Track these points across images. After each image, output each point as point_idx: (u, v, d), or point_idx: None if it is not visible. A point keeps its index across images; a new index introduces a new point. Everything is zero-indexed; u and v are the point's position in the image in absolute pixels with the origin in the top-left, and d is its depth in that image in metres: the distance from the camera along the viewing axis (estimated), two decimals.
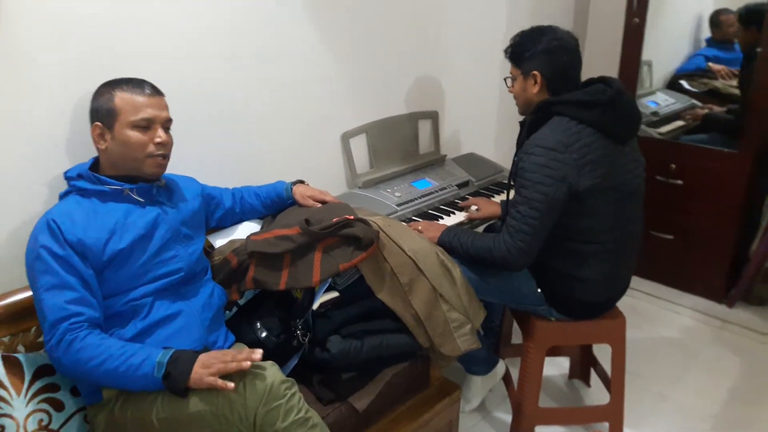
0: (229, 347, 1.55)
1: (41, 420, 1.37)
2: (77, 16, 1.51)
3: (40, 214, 1.39)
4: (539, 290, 1.85)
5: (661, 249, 2.96)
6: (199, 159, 1.86)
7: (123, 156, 1.41)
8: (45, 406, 1.39)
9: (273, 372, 1.28)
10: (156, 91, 1.45)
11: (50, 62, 1.49)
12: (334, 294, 1.65)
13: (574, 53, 1.74)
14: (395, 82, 2.42)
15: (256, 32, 1.90)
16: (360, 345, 1.59)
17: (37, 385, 1.39)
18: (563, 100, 1.68)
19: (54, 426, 1.39)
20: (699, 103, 3.13)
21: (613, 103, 1.65)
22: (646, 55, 3.03)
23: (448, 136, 2.72)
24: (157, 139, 1.41)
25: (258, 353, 1.27)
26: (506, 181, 2.49)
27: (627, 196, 1.74)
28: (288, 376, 1.58)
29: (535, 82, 1.75)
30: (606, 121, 1.64)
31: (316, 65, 2.11)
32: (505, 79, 1.89)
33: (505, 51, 1.83)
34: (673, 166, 2.85)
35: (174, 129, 1.73)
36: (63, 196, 1.45)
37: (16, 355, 1.41)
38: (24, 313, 1.45)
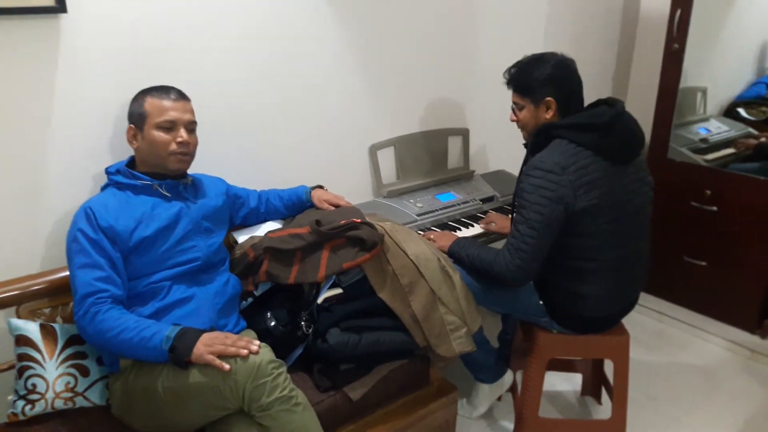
0: (238, 332, 1.70)
1: (68, 383, 1.56)
2: (127, 25, 1.72)
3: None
4: (540, 303, 1.91)
5: (693, 275, 2.91)
6: (236, 164, 2.05)
7: (150, 153, 1.61)
8: (73, 371, 1.58)
9: (264, 352, 1.42)
10: (181, 96, 1.64)
11: (102, 70, 1.71)
12: (338, 290, 1.77)
13: (577, 74, 1.81)
14: (427, 98, 2.54)
15: (291, 44, 2.07)
16: (358, 339, 1.71)
17: (68, 351, 1.59)
18: (561, 123, 1.74)
19: (79, 389, 1.58)
20: (755, 132, 3.06)
21: (610, 126, 1.70)
22: (701, 81, 3.01)
23: (479, 153, 2.81)
24: (179, 139, 1.60)
25: (256, 345, 1.41)
26: None
27: (628, 215, 1.78)
28: (292, 364, 1.75)
29: (548, 108, 1.82)
30: (602, 143, 1.70)
31: (350, 80, 2.26)
32: (513, 108, 1.93)
33: (508, 83, 1.89)
34: (708, 192, 2.82)
35: (215, 137, 1.93)
36: (104, 188, 1.66)
37: (52, 324, 1.61)
38: (65, 288, 1.65)
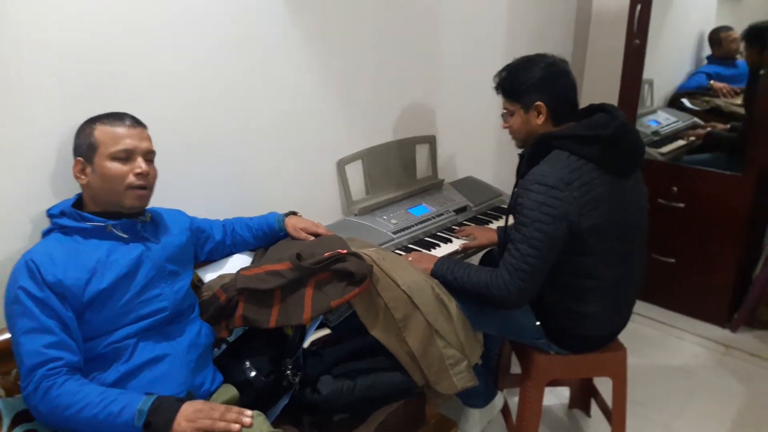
0: (216, 388, 1.50)
1: None
2: (70, 49, 1.48)
3: (24, 250, 1.35)
4: (538, 323, 1.80)
5: (662, 272, 2.90)
6: (191, 190, 1.82)
7: (103, 189, 1.38)
8: None
9: (258, 424, 1.23)
10: (136, 123, 1.43)
11: (42, 93, 1.46)
12: (326, 331, 1.60)
13: (570, 75, 1.70)
14: (391, 107, 2.39)
15: (248, 61, 1.87)
16: (352, 385, 1.54)
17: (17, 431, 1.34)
18: (562, 134, 1.62)
19: None
20: (701, 122, 3.09)
21: (615, 138, 1.60)
22: (646, 73, 2.99)
23: (446, 160, 2.69)
24: (137, 170, 1.38)
25: (248, 417, 1.23)
26: (505, 206, 2.46)
27: (629, 231, 1.68)
28: (278, 416, 1.56)
29: (539, 113, 1.70)
30: (607, 156, 1.59)
31: (309, 92, 2.08)
32: (502, 115, 1.81)
33: (496, 87, 1.77)
34: (675, 188, 2.81)
35: (165, 160, 1.69)
36: (45, 233, 1.41)
37: None
38: (4, 354, 1.39)
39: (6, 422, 1.33)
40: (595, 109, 1.73)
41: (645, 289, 2.96)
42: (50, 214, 1.40)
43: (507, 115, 1.77)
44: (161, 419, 1.20)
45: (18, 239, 1.49)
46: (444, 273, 1.77)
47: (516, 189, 1.68)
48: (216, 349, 1.65)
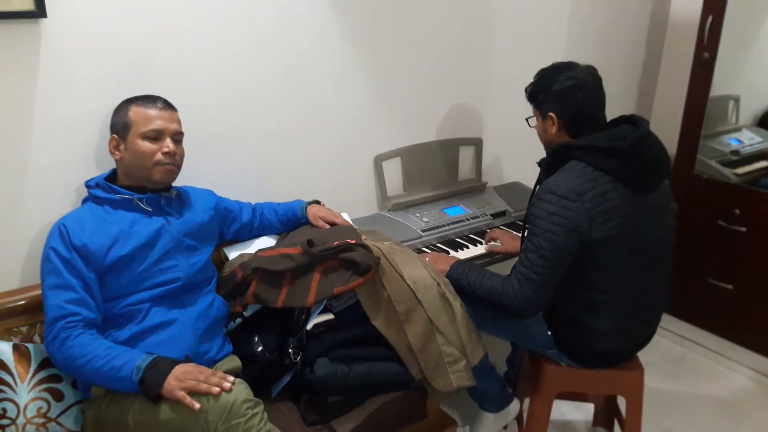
0: (222, 357, 1.61)
1: (40, 408, 1.47)
2: (114, 35, 1.63)
3: None
4: (549, 333, 1.78)
5: (718, 298, 2.74)
6: (232, 175, 1.95)
7: (134, 165, 1.52)
8: (45, 395, 1.49)
9: (238, 390, 1.32)
10: (167, 106, 1.56)
11: (87, 77, 1.62)
12: (330, 316, 1.66)
13: (592, 91, 1.66)
14: (436, 108, 2.41)
15: (293, 53, 1.96)
16: (347, 370, 1.60)
17: (41, 374, 1.50)
18: (580, 144, 1.60)
19: (52, 414, 1.49)
20: None
21: (633, 150, 1.55)
22: (733, 89, 2.84)
23: (493, 164, 2.68)
24: (165, 149, 1.52)
25: (229, 383, 1.32)
26: None
27: (649, 247, 1.63)
28: (280, 392, 1.65)
29: (553, 124, 1.69)
30: (625, 169, 1.55)
31: (353, 87, 2.14)
32: (527, 119, 1.83)
33: (525, 90, 1.78)
34: (737, 211, 2.65)
35: (210, 147, 1.85)
36: (83, 201, 1.57)
37: (26, 344, 1.53)
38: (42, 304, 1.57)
39: (34, 365, 1.50)
40: (624, 120, 1.69)
41: (698, 314, 2.86)
42: (87, 185, 1.56)
43: (534, 119, 1.77)
44: (155, 376, 1.32)
45: (64, 206, 1.66)
46: (459, 276, 1.79)
47: (532, 198, 1.67)
48: (231, 322, 1.76)
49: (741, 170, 2.90)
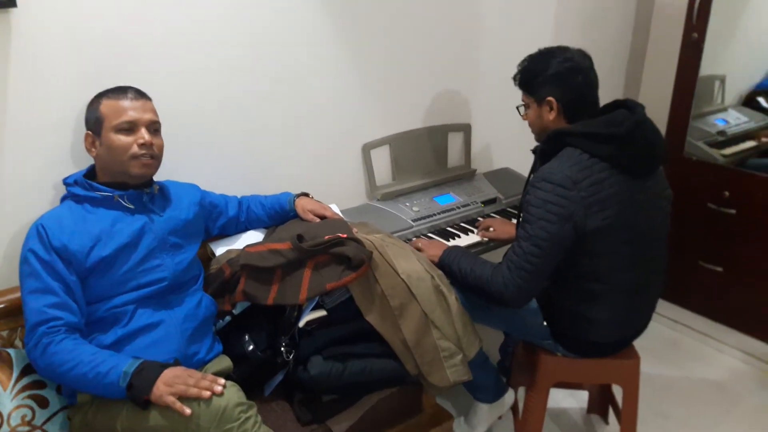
0: (212, 358, 1.56)
1: (24, 415, 1.42)
2: (90, 29, 1.56)
3: None
4: (545, 324, 1.75)
5: (708, 281, 2.74)
6: (216, 167, 1.89)
7: (111, 160, 1.46)
8: (30, 402, 1.44)
9: (230, 394, 1.27)
10: (140, 95, 1.49)
11: (61, 69, 1.54)
12: (322, 313, 1.62)
13: (589, 73, 1.62)
14: (424, 94, 2.36)
15: (275, 41, 1.90)
16: (342, 368, 1.56)
17: (24, 381, 1.44)
18: (575, 131, 1.56)
19: (37, 422, 1.43)
20: None
21: (630, 136, 1.52)
22: (719, 69, 2.81)
23: (482, 150, 2.63)
24: (140, 140, 1.44)
25: (220, 386, 1.28)
26: None
27: (644, 234, 1.60)
28: (272, 392, 1.60)
29: (551, 109, 1.65)
30: (621, 156, 1.52)
31: (338, 74, 2.08)
32: (517, 108, 1.78)
33: (514, 78, 1.73)
34: (727, 193, 2.64)
35: (193, 139, 1.78)
36: (62, 200, 1.51)
37: (8, 350, 1.47)
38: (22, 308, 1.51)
39: (16, 371, 1.44)
40: (618, 105, 1.65)
41: (688, 297, 2.85)
42: (65, 183, 1.49)
43: (524, 108, 1.73)
44: (143, 382, 1.27)
45: (41, 205, 1.59)
46: (450, 263, 1.76)
47: (526, 186, 1.63)
48: (220, 321, 1.71)
49: (728, 151, 2.90)
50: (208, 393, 1.24)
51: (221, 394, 1.26)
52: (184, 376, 1.28)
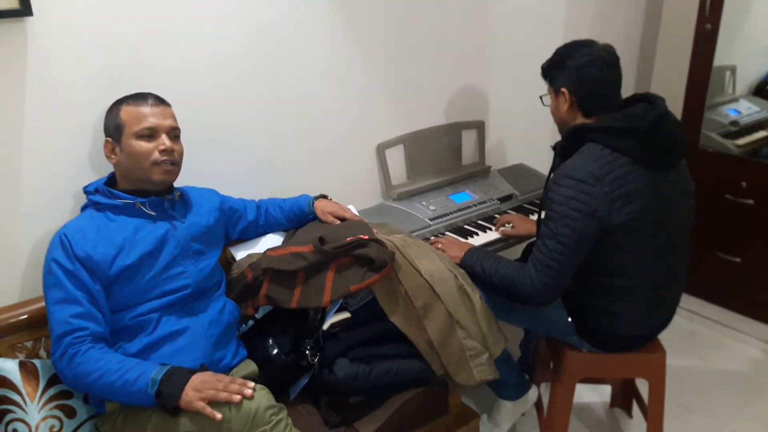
0: (237, 363, 1.55)
1: (52, 426, 1.42)
2: (105, 35, 1.55)
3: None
4: (570, 320, 1.74)
5: (726, 272, 2.72)
6: (232, 171, 1.88)
7: (131, 167, 1.45)
8: (57, 412, 1.43)
9: (260, 397, 1.27)
10: (159, 102, 1.48)
11: (77, 77, 1.54)
12: (346, 315, 1.61)
13: (608, 68, 1.61)
14: (437, 92, 2.34)
15: (288, 42, 1.89)
16: (368, 370, 1.55)
17: (51, 391, 1.44)
18: (596, 126, 1.55)
19: None
20: None
21: (651, 130, 1.50)
22: (730, 59, 2.79)
23: (496, 147, 2.62)
24: (161, 147, 1.44)
25: (250, 389, 1.27)
26: None
27: (668, 228, 1.59)
28: (298, 395, 1.60)
29: (565, 100, 1.64)
30: (643, 150, 1.51)
31: (352, 75, 2.07)
32: (541, 97, 1.78)
33: (542, 66, 1.73)
34: (744, 184, 2.62)
35: (208, 142, 1.77)
36: (83, 208, 1.50)
37: (33, 360, 1.46)
38: (47, 319, 1.50)
39: (42, 382, 1.44)
40: (639, 98, 1.63)
41: (707, 289, 2.84)
42: (86, 191, 1.48)
43: (546, 97, 1.73)
44: (172, 389, 1.26)
45: (61, 214, 1.59)
46: (473, 264, 1.75)
47: (548, 183, 1.62)
48: (243, 325, 1.71)
49: (741, 141, 2.87)
50: (238, 397, 1.24)
51: (251, 398, 1.25)
52: (212, 381, 1.27)
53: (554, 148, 1.68)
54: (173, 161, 1.48)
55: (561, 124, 1.70)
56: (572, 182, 1.50)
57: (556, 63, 1.66)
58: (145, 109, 1.44)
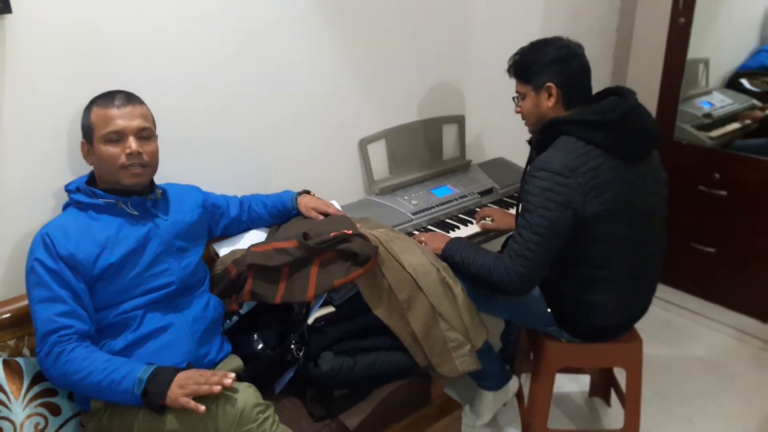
0: (222, 359, 1.56)
1: (37, 424, 1.42)
2: (82, 31, 1.54)
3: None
4: (549, 310, 1.78)
5: (701, 262, 2.79)
6: (215, 168, 1.88)
7: (103, 170, 1.45)
8: (42, 410, 1.43)
9: (247, 395, 1.28)
10: (128, 101, 1.45)
11: (57, 75, 1.53)
12: (330, 309, 1.63)
13: (583, 59, 1.65)
14: (417, 87, 2.36)
15: (269, 37, 1.89)
16: (353, 363, 1.57)
17: (35, 389, 1.44)
18: (570, 119, 1.59)
19: (50, 430, 1.43)
20: (759, 104, 2.91)
21: (622, 122, 1.54)
22: (702, 52, 2.85)
23: (476, 141, 2.65)
24: (127, 150, 1.41)
25: (230, 378, 1.28)
26: None
27: (642, 217, 1.63)
28: (283, 389, 1.61)
29: (550, 95, 1.67)
30: (615, 141, 1.55)
31: (332, 70, 2.08)
32: (513, 98, 1.80)
33: (509, 70, 1.75)
34: (717, 175, 2.68)
35: (189, 139, 1.76)
36: (65, 207, 1.50)
37: (16, 359, 1.46)
38: (30, 317, 1.49)
39: (26, 380, 1.44)
40: (610, 92, 1.67)
41: (682, 279, 2.90)
42: (68, 190, 1.48)
43: (519, 99, 1.75)
44: (158, 387, 1.27)
45: (43, 212, 1.58)
46: (453, 254, 1.78)
47: (524, 176, 1.65)
48: (228, 321, 1.72)
49: (714, 133, 2.94)
50: (218, 387, 1.25)
51: (231, 386, 1.27)
52: (195, 376, 1.28)
53: (530, 142, 1.72)
54: (142, 163, 1.44)
55: (538, 121, 1.72)
56: (547, 174, 1.54)
57: (535, 60, 1.67)
58: (112, 111, 1.41)
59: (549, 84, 1.66)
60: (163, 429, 1.28)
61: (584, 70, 1.65)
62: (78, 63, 1.55)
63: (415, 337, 1.60)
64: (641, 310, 1.82)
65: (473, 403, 2.15)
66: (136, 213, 1.47)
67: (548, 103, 1.67)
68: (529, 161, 1.70)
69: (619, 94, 1.63)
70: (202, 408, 1.23)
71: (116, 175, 1.43)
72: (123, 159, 1.42)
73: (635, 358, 1.84)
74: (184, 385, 1.26)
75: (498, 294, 1.72)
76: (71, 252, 1.36)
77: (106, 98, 1.44)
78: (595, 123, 1.55)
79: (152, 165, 1.49)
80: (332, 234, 1.61)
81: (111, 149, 1.41)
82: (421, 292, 1.62)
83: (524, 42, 1.79)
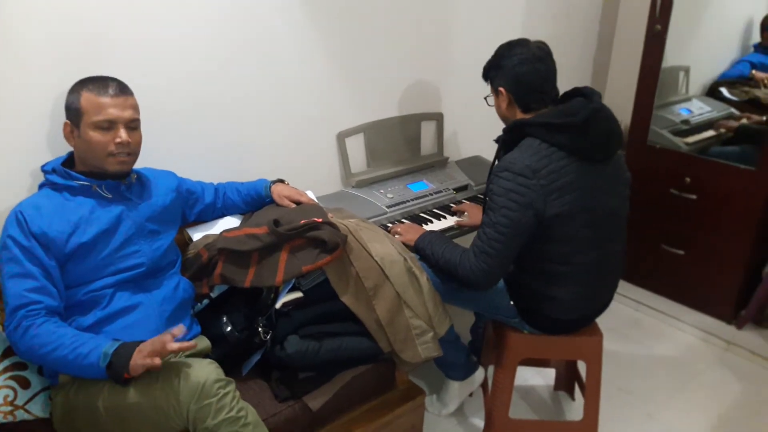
0: (190, 339, 1.60)
1: (6, 395, 1.45)
2: (68, 13, 1.57)
3: None
4: (512, 303, 1.83)
5: (671, 264, 2.86)
6: (193, 154, 1.92)
7: (88, 154, 1.48)
8: (11, 383, 1.47)
9: (208, 371, 1.32)
10: (121, 91, 1.49)
11: (38, 53, 1.56)
12: (298, 294, 1.67)
13: (540, 63, 1.67)
14: (397, 83, 2.41)
15: (250, 28, 1.93)
16: (318, 346, 1.62)
17: (5, 363, 1.48)
18: (534, 121, 1.63)
19: (19, 402, 1.47)
20: (737, 113, 2.97)
21: (586, 125, 1.59)
22: (683, 60, 2.91)
23: (454, 138, 2.70)
24: (117, 140, 1.46)
25: (177, 328, 1.34)
26: None
27: (604, 218, 1.68)
28: (250, 371, 1.66)
29: (504, 99, 1.73)
30: (578, 144, 1.59)
31: (313, 64, 2.13)
32: (485, 98, 1.85)
33: (483, 69, 1.81)
34: (688, 179, 2.75)
35: (168, 127, 1.79)
36: (40, 187, 1.53)
37: None
38: (2, 293, 1.53)
39: None
40: (577, 92, 1.72)
41: (652, 279, 2.97)
42: (43, 170, 1.51)
43: (490, 98, 1.81)
44: (121, 360, 1.31)
45: (18, 191, 1.61)
46: (425, 246, 1.83)
47: (490, 175, 1.70)
48: (198, 303, 1.76)
49: (691, 139, 3.00)
50: (172, 345, 1.30)
51: (180, 333, 1.34)
52: (148, 343, 1.33)
53: (497, 141, 1.77)
54: (129, 152, 1.50)
55: (504, 120, 1.79)
56: (511, 175, 1.59)
57: (493, 65, 1.74)
58: (106, 99, 1.45)
59: (500, 88, 1.73)
60: (126, 401, 1.32)
61: (538, 75, 1.68)
62: (61, 44, 1.58)
63: (380, 323, 1.65)
64: (602, 305, 1.88)
65: (440, 393, 2.20)
66: (109, 196, 1.52)
67: (503, 105, 1.74)
68: (496, 159, 1.75)
69: (584, 95, 1.68)
70: (158, 361, 1.28)
71: (102, 161, 1.47)
72: (112, 147, 1.46)
73: (595, 352, 1.89)
74: (143, 350, 1.31)
75: (462, 287, 1.77)
76: (43, 230, 1.40)
77: (98, 84, 1.47)
78: (559, 126, 1.60)
79: (137, 153, 1.54)
80: (302, 221, 1.65)
81: (100, 136, 1.45)
82: (387, 281, 1.67)
83: (502, 40, 1.84)
